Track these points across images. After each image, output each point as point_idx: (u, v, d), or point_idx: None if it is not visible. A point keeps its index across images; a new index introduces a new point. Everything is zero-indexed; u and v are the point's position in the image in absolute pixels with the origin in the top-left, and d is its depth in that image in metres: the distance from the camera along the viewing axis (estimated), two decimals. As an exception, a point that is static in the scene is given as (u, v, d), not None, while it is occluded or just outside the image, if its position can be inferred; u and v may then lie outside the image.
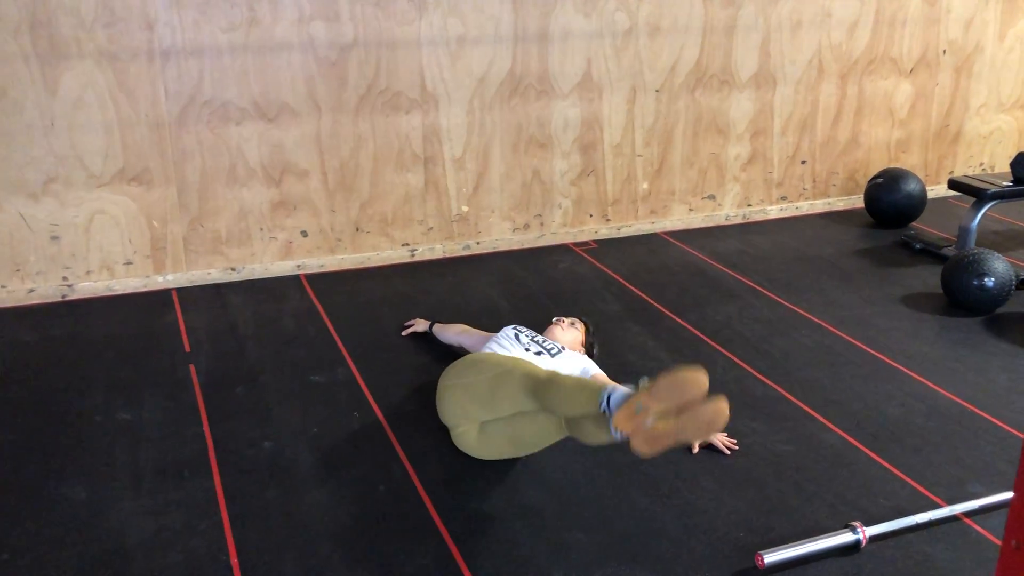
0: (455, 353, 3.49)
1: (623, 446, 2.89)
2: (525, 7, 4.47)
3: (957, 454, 3.00)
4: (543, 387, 2.59)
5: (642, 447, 2.30)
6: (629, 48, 4.77)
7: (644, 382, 2.33)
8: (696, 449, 2.95)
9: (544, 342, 3.18)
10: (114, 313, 4.00)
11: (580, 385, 2.52)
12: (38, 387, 3.36)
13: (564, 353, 3.16)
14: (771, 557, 2.44)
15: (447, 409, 2.90)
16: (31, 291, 4.08)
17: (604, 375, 3.23)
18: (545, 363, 3.02)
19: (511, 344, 3.13)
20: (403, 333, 3.78)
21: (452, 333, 3.63)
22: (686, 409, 2.28)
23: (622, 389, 2.39)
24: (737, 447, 3.00)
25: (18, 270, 4.05)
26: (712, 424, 2.32)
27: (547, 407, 2.60)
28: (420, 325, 3.78)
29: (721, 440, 3.00)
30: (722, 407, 2.29)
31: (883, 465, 2.93)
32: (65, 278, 4.13)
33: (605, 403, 2.40)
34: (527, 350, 3.09)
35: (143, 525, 2.59)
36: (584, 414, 2.49)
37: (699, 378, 2.28)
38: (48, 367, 3.51)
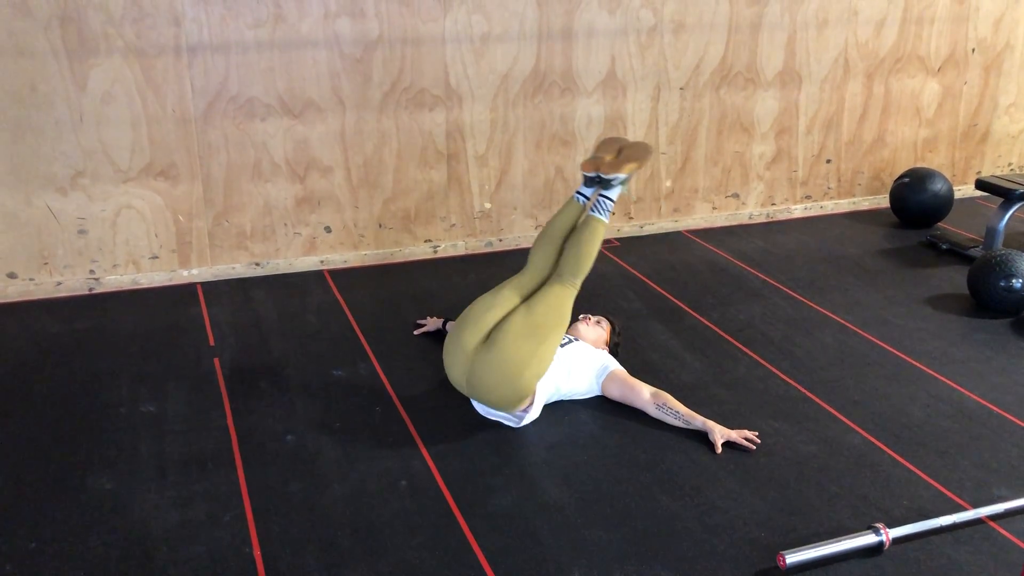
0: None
1: (643, 448, 2.88)
2: (550, 4, 4.47)
3: (982, 457, 2.98)
4: (532, 252, 3.24)
5: (611, 169, 3.19)
6: (654, 45, 4.75)
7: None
8: (719, 449, 2.94)
9: None
10: (140, 306, 4.04)
11: (553, 217, 3.31)
12: (64, 379, 3.40)
13: (575, 344, 3.21)
14: (793, 557, 2.43)
15: (454, 343, 2.98)
16: (58, 284, 4.13)
17: (624, 371, 3.23)
18: (556, 354, 3.11)
19: None
20: (415, 332, 3.78)
21: None
22: (624, 147, 3.32)
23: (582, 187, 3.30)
24: (759, 441, 2.99)
25: (46, 263, 4.10)
26: (645, 145, 3.32)
27: (540, 255, 3.19)
28: (432, 324, 3.77)
29: (744, 435, 2.98)
30: (639, 142, 3.36)
31: (907, 467, 2.91)
32: (92, 271, 4.18)
33: (578, 195, 3.28)
34: None
35: (167, 516, 2.62)
36: (572, 227, 3.25)
37: (618, 137, 3.56)
38: (74, 359, 3.55)
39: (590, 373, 3.20)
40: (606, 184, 3.22)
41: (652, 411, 3.09)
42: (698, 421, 3.03)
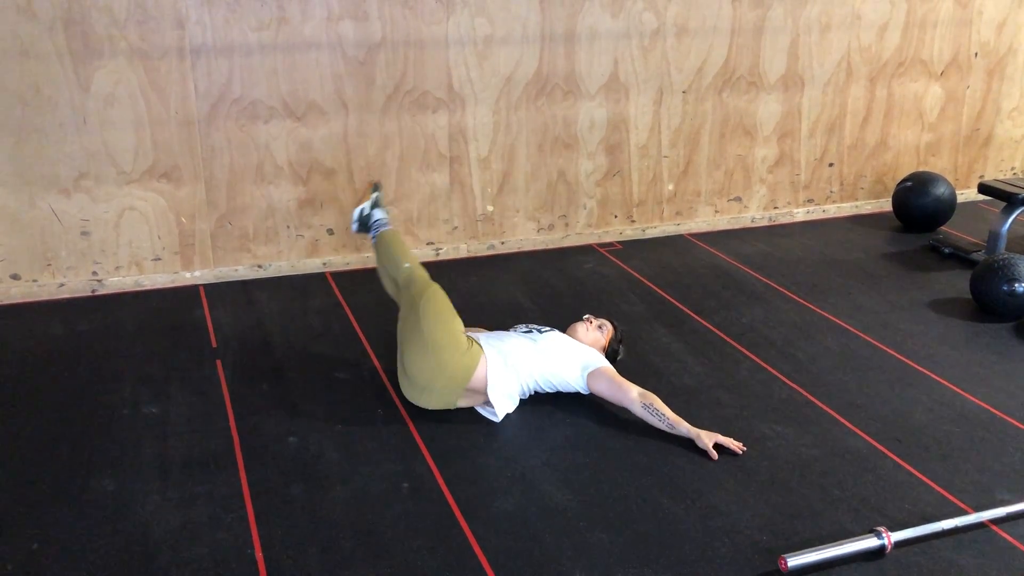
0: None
1: (645, 451, 2.88)
2: (552, 7, 4.48)
3: (984, 460, 2.97)
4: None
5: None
6: (656, 49, 4.76)
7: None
8: (714, 455, 2.93)
9: (535, 326, 3.39)
10: (142, 308, 4.04)
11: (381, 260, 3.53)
12: (67, 380, 3.40)
13: (551, 334, 3.31)
14: (795, 561, 2.43)
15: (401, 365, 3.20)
16: (61, 285, 4.14)
17: (612, 369, 3.22)
18: (532, 340, 3.25)
19: (504, 332, 3.36)
20: None
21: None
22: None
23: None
24: (745, 448, 2.98)
25: (49, 264, 4.11)
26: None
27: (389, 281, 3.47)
28: None
29: (730, 442, 2.98)
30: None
31: (909, 470, 2.91)
32: (95, 273, 4.18)
33: (355, 226, 3.67)
34: (514, 331, 3.36)
35: (169, 518, 2.62)
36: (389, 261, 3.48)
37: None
38: (77, 361, 3.55)
39: (575, 363, 3.20)
40: (367, 219, 3.64)
41: (637, 409, 3.07)
42: (683, 428, 3.01)
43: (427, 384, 3.12)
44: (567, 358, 3.21)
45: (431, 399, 3.16)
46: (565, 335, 3.35)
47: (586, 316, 3.48)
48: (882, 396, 3.37)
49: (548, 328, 3.38)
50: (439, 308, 3.23)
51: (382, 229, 3.56)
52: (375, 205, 3.63)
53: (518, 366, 3.15)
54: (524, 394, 3.22)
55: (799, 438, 3.08)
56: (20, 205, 3.99)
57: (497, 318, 3.92)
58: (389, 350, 3.66)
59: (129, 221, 4.16)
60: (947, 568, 2.48)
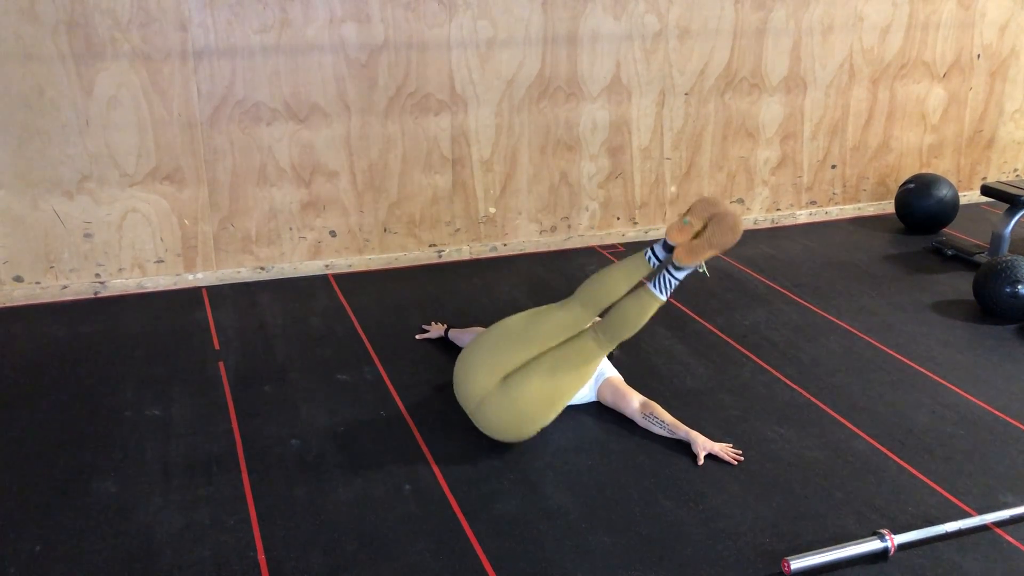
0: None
1: (648, 453, 2.88)
2: (555, 9, 4.48)
3: (988, 463, 2.97)
4: (583, 290, 2.97)
5: (684, 257, 2.87)
6: (658, 51, 4.76)
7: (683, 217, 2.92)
8: (701, 461, 2.92)
9: None
10: (145, 310, 4.04)
11: (617, 264, 3.01)
12: (69, 383, 3.41)
13: None
14: (798, 563, 2.43)
15: (470, 371, 2.87)
16: (64, 287, 4.14)
17: (620, 378, 3.23)
18: None
19: None
20: (417, 337, 3.77)
21: (468, 336, 3.62)
22: (712, 221, 2.86)
23: (658, 245, 2.97)
24: (743, 458, 2.97)
25: (52, 267, 4.11)
26: (733, 227, 2.84)
27: (587, 296, 2.94)
28: (435, 331, 3.77)
29: (727, 451, 2.97)
30: (737, 213, 2.87)
31: (912, 473, 2.91)
32: (97, 275, 4.19)
33: (651, 253, 2.96)
34: None
35: (172, 520, 2.62)
36: (628, 283, 2.95)
37: (720, 199, 2.94)
38: (80, 363, 3.56)
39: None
40: (679, 264, 2.91)
41: (639, 420, 3.09)
42: (682, 431, 3.01)
43: (487, 426, 2.90)
44: None
45: (477, 422, 2.95)
46: None
47: None
48: (885, 398, 3.36)
49: None
50: (589, 372, 2.95)
51: (661, 296, 2.93)
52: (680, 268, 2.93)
53: None
54: None
55: (802, 440, 3.08)
56: (23, 207, 3.99)
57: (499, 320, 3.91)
58: (391, 352, 3.66)
59: (132, 223, 4.16)
60: (950, 571, 2.48)
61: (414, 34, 4.29)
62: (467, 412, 2.99)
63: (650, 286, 2.91)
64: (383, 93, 4.34)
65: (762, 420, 3.20)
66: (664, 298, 2.92)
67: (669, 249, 2.94)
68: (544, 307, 3.01)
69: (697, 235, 2.88)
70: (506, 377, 2.85)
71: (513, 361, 2.85)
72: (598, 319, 3.01)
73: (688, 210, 2.93)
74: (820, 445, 3.05)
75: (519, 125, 4.63)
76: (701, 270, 2.94)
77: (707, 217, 2.87)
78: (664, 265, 2.95)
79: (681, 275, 2.92)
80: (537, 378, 2.83)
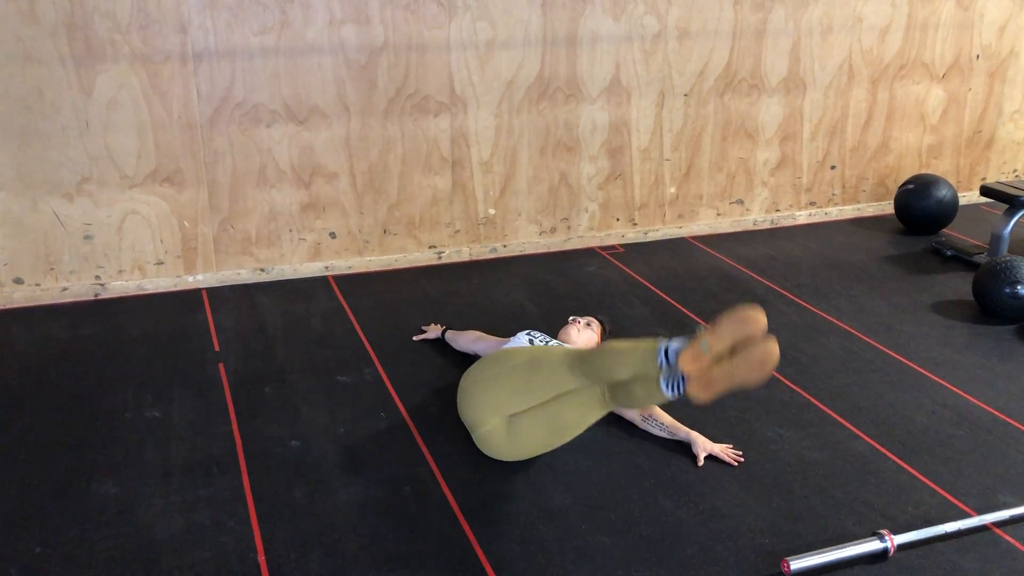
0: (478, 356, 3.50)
1: (647, 454, 2.88)
2: (554, 10, 4.48)
3: (987, 463, 2.97)
4: (589, 356, 2.59)
5: (699, 391, 2.33)
6: (658, 52, 4.76)
7: (702, 329, 2.40)
8: (701, 462, 2.92)
9: (549, 339, 3.21)
10: (145, 312, 4.05)
11: (633, 345, 2.52)
12: (69, 384, 3.41)
13: None
14: (797, 564, 2.43)
15: (475, 404, 2.84)
16: (64, 289, 4.14)
17: None
18: None
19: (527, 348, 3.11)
20: (415, 339, 3.77)
21: (466, 340, 3.62)
22: (740, 349, 2.32)
23: (677, 340, 2.41)
24: (743, 459, 2.97)
25: (52, 268, 4.11)
26: (764, 364, 2.30)
27: (593, 374, 2.56)
28: (433, 331, 3.77)
29: (727, 451, 2.97)
30: (773, 348, 2.29)
31: (912, 473, 2.91)
32: (97, 277, 4.19)
33: (663, 355, 2.41)
34: (531, 343, 3.12)
35: (172, 521, 2.62)
36: (636, 374, 2.46)
37: (759, 316, 2.31)
38: (79, 365, 3.56)
39: None
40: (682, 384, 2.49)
41: (639, 422, 3.09)
42: (682, 433, 3.01)
43: (488, 451, 2.88)
44: None
45: (479, 445, 2.91)
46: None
47: (572, 318, 3.47)
48: (884, 399, 3.36)
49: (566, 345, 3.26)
50: (589, 421, 2.78)
51: (668, 394, 2.50)
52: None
53: None
54: None
55: (801, 441, 3.08)
56: (23, 209, 3.99)
57: (499, 321, 3.92)
58: (391, 353, 3.66)
59: (132, 225, 4.16)
60: (950, 571, 2.48)
61: (414, 36, 4.29)
62: (468, 430, 2.97)
63: (662, 383, 2.48)
64: (383, 95, 4.34)
65: (762, 421, 3.20)
66: (672, 398, 2.50)
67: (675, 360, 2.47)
68: (548, 357, 2.73)
69: (716, 363, 2.35)
70: (512, 416, 2.75)
71: (519, 404, 2.71)
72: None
73: (712, 326, 2.38)
74: (820, 446, 3.06)
75: (519, 126, 4.63)
76: (705, 349, 2.38)
77: (733, 342, 2.35)
78: (672, 373, 2.48)
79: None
80: (542, 427, 2.73)
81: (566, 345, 2.98)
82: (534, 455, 2.89)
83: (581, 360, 2.61)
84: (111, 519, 2.63)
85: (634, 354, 2.49)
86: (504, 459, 2.90)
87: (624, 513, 2.70)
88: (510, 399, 2.73)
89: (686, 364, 2.36)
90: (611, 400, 2.64)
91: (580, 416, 2.72)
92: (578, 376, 2.60)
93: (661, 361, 2.43)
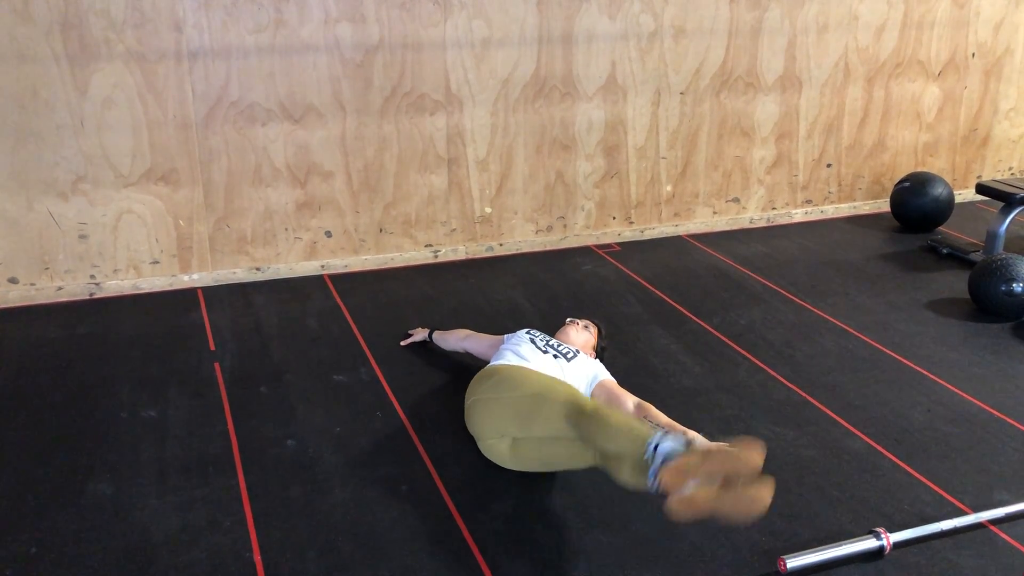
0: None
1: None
2: (550, 9, 4.48)
3: (983, 461, 2.97)
4: (586, 418, 2.54)
5: (677, 509, 2.22)
6: (654, 50, 4.76)
7: (697, 443, 2.34)
8: None
9: (559, 346, 3.18)
10: (140, 311, 4.04)
11: (628, 425, 2.46)
12: (65, 384, 3.40)
13: (579, 357, 3.15)
14: (794, 562, 2.43)
15: (480, 422, 2.89)
16: (59, 289, 4.14)
17: (613, 380, 3.22)
18: (561, 367, 3.04)
19: (528, 349, 3.10)
20: (402, 343, 3.73)
21: (455, 339, 3.60)
22: (731, 484, 2.21)
23: (671, 440, 2.32)
24: None
25: (47, 268, 4.11)
26: (751, 509, 2.21)
27: (587, 438, 2.54)
28: (418, 335, 3.74)
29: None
30: (765, 495, 2.19)
31: (908, 471, 2.91)
32: (93, 276, 4.18)
33: (651, 451, 2.34)
34: (544, 353, 3.09)
35: (168, 521, 2.62)
36: (626, 454, 2.41)
37: (756, 458, 2.21)
38: (75, 364, 3.55)
39: (584, 384, 3.19)
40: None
41: None
42: (678, 432, 2.99)
43: (492, 459, 2.91)
44: (582, 379, 3.13)
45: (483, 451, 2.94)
46: (587, 357, 3.21)
47: (569, 319, 3.46)
48: (880, 397, 3.37)
49: (569, 348, 3.19)
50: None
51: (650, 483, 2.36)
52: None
53: None
54: None
55: (797, 439, 3.08)
56: (18, 208, 3.98)
57: (495, 320, 3.92)
58: (387, 352, 3.66)
59: (127, 224, 4.16)
60: (946, 569, 2.48)
61: (409, 34, 4.29)
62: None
63: (650, 476, 2.34)
64: (378, 93, 4.33)
65: (758, 419, 3.21)
66: (654, 492, 2.35)
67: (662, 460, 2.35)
68: (552, 397, 2.69)
69: (701, 495, 2.23)
70: (515, 439, 2.81)
71: (519, 433, 2.78)
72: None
73: (700, 459, 2.24)
74: (816, 444, 3.06)
75: (515, 125, 4.63)
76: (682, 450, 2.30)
77: (726, 477, 2.22)
78: (655, 459, 2.36)
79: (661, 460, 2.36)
80: (539, 457, 2.79)
81: (571, 384, 2.91)
82: (532, 471, 2.89)
83: (580, 418, 2.57)
84: (107, 519, 2.63)
85: (627, 436, 2.43)
86: (506, 467, 2.91)
87: (620, 512, 2.70)
88: (513, 426, 2.78)
89: (666, 478, 2.25)
90: (601, 462, 2.56)
91: (571, 461, 2.71)
92: (574, 431, 2.58)
93: (649, 456, 2.34)
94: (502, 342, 3.32)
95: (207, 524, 2.61)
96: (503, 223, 4.78)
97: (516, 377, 2.87)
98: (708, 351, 3.71)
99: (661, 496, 2.27)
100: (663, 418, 3.04)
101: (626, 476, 2.43)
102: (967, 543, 2.58)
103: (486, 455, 2.92)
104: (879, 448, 3.03)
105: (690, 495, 2.21)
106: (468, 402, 2.99)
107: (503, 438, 2.83)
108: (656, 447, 2.32)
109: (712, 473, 2.21)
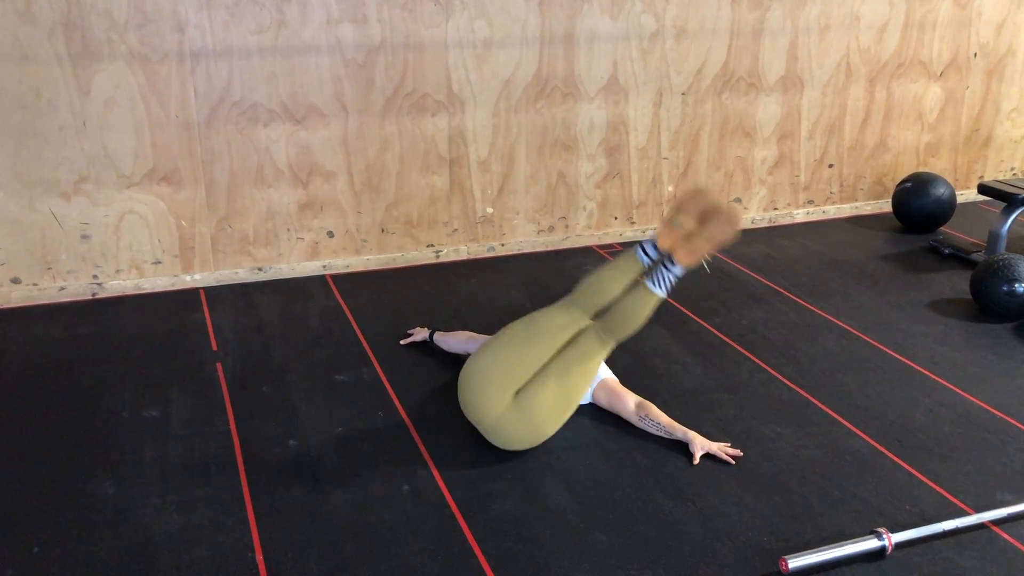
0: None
1: (645, 452, 2.88)
2: (552, 9, 4.48)
3: (985, 461, 2.97)
4: (578, 287, 2.95)
5: (685, 258, 2.82)
6: (655, 51, 4.76)
7: (671, 219, 2.85)
8: (697, 460, 2.92)
9: None
10: (142, 312, 4.04)
11: (612, 260, 2.95)
12: (67, 384, 3.40)
13: None
14: (795, 562, 2.43)
15: (479, 389, 2.82)
16: (62, 289, 4.14)
17: (615, 380, 3.23)
18: None
19: None
20: (402, 342, 3.74)
21: (456, 341, 3.60)
22: (707, 217, 2.80)
23: (646, 241, 2.91)
24: (741, 454, 2.97)
25: (49, 268, 4.11)
26: (732, 220, 2.79)
27: (585, 300, 2.91)
28: (419, 334, 3.74)
29: (725, 450, 2.96)
30: (735, 207, 2.85)
31: (909, 471, 2.91)
32: (95, 276, 4.19)
33: (642, 251, 2.90)
34: None
35: (170, 521, 2.62)
36: (625, 284, 2.89)
37: (706, 188, 2.81)
38: (77, 364, 3.55)
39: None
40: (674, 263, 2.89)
41: (635, 422, 3.08)
42: (679, 432, 3.01)
43: (502, 441, 2.87)
44: None
45: (490, 437, 2.91)
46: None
47: None
48: (882, 397, 3.37)
49: None
50: (595, 371, 2.96)
51: (660, 292, 2.92)
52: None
53: None
54: None
55: (799, 439, 3.08)
56: (20, 209, 3.99)
57: (497, 320, 3.91)
58: (389, 352, 3.66)
59: (129, 224, 4.16)
60: (948, 569, 2.48)
61: (411, 34, 4.29)
62: (479, 428, 2.95)
63: (649, 284, 2.91)
64: (380, 94, 4.34)
65: (760, 419, 3.21)
66: (663, 295, 2.91)
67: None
68: (540, 311, 3.00)
69: (691, 233, 2.82)
70: (518, 392, 2.82)
71: (522, 373, 2.80)
72: (593, 321, 2.97)
73: (676, 208, 2.86)
74: (817, 444, 3.06)
75: (516, 125, 4.63)
76: (703, 263, 2.89)
77: (699, 214, 2.84)
78: (660, 261, 2.92)
79: (679, 270, 2.92)
80: (550, 389, 2.82)
81: None
82: (549, 431, 2.87)
83: (573, 295, 2.95)
84: (109, 519, 2.63)
85: (617, 263, 2.92)
86: (517, 446, 2.89)
87: (622, 512, 2.70)
88: (513, 369, 2.79)
89: (664, 241, 2.83)
90: (606, 332, 2.87)
91: (583, 365, 2.82)
92: (572, 311, 2.90)
93: (642, 257, 2.87)
94: None
95: (209, 524, 2.61)
96: (505, 223, 4.78)
97: (501, 331, 2.98)
98: (710, 351, 3.71)
99: (670, 290, 2.88)
100: (664, 417, 3.05)
101: (633, 312, 2.87)
102: (969, 543, 2.58)
103: (495, 439, 2.88)
104: (881, 448, 3.03)
105: (687, 241, 2.81)
106: (461, 381, 2.92)
107: (506, 399, 2.77)
108: (643, 246, 2.92)
109: (691, 213, 2.82)
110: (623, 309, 2.89)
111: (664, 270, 2.90)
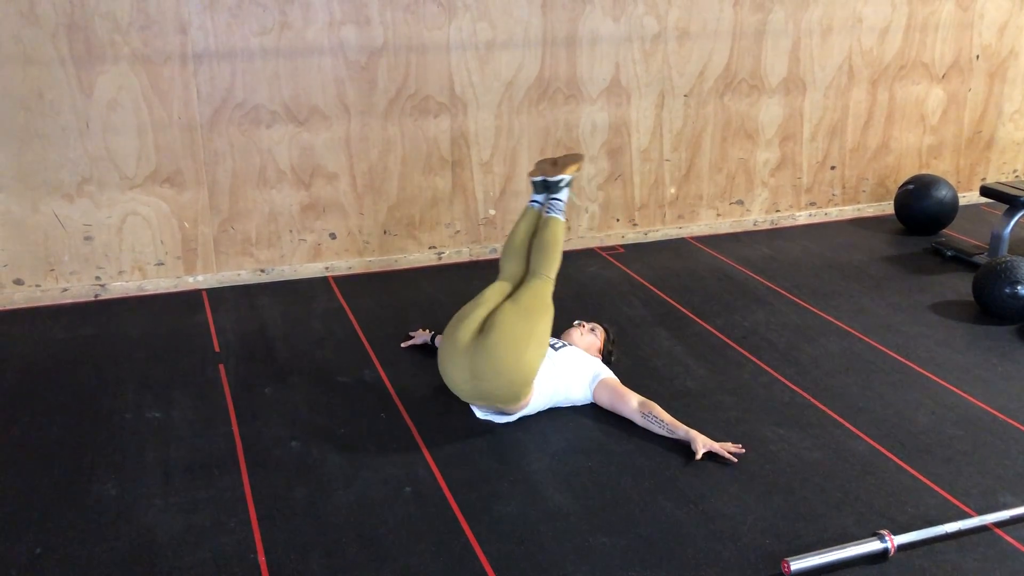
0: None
1: (647, 454, 2.88)
2: (554, 11, 4.49)
3: (987, 463, 2.97)
4: (502, 262, 3.40)
5: (552, 171, 3.47)
6: (658, 53, 4.76)
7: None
8: (699, 456, 2.92)
9: (553, 343, 3.25)
10: (145, 313, 4.05)
11: (516, 223, 3.51)
12: (70, 385, 3.41)
13: (568, 348, 3.26)
14: (798, 564, 2.43)
15: (447, 345, 3.04)
16: (64, 290, 4.15)
17: (615, 379, 3.23)
18: (551, 358, 3.16)
19: None
20: (404, 345, 3.74)
21: None
22: (557, 160, 3.57)
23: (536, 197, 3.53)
24: (743, 450, 2.97)
25: (52, 270, 4.12)
26: (576, 155, 3.61)
27: (512, 262, 3.37)
28: (420, 337, 3.74)
29: (727, 448, 2.96)
30: (571, 152, 4.02)
31: (912, 474, 2.91)
32: (98, 278, 4.19)
33: (531, 203, 3.52)
34: None
35: (172, 522, 2.62)
36: (531, 228, 3.45)
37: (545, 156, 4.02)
38: (80, 365, 3.56)
39: (583, 380, 3.20)
40: (553, 187, 3.46)
41: (639, 420, 3.09)
42: (681, 431, 3.01)
43: (487, 379, 2.97)
44: (580, 375, 3.20)
45: (477, 386, 3.00)
46: (577, 348, 3.33)
47: (577, 322, 3.50)
48: (884, 399, 3.37)
49: (560, 342, 3.33)
50: (547, 300, 3.22)
51: (559, 215, 3.43)
52: (567, 185, 3.50)
53: (541, 383, 3.12)
54: (536, 411, 3.20)
55: (801, 441, 3.08)
56: (23, 210, 4.00)
57: (499, 322, 3.92)
58: (391, 354, 3.67)
59: (132, 226, 4.17)
60: (950, 571, 2.48)
61: (413, 36, 4.29)
62: (465, 396, 3.07)
63: (546, 213, 3.41)
64: (383, 95, 4.34)
65: (762, 421, 3.20)
66: (562, 217, 3.40)
67: (539, 190, 3.48)
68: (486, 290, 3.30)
69: (552, 162, 3.55)
70: (480, 329, 3.03)
71: (478, 317, 3.07)
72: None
73: (534, 171, 3.55)
74: (820, 446, 3.06)
75: (518, 127, 4.63)
76: (571, 195, 3.49)
77: (552, 160, 3.56)
78: (547, 199, 3.46)
79: (562, 195, 3.45)
80: (506, 311, 3.05)
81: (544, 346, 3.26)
82: (526, 359, 2.97)
83: (501, 271, 3.38)
84: (111, 520, 2.63)
85: (520, 219, 3.49)
86: (507, 388, 2.97)
87: (623, 513, 2.70)
88: (468, 319, 3.06)
89: (535, 173, 3.50)
90: (538, 271, 3.26)
91: (531, 294, 3.15)
92: (503, 270, 3.35)
93: (533, 205, 3.50)
94: None
95: (211, 525, 2.61)
96: (507, 225, 4.78)
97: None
98: (712, 353, 3.71)
99: (550, 193, 3.48)
100: (666, 417, 3.05)
101: (548, 239, 3.34)
102: (971, 546, 2.58)
103: (483, 388, 2.99)
104: (883, 450, 3.03)
105: (550, 167, 3.50)
106: (439, 357, 3.11)
107: (470, 337, 3.00)
108: (531, 201, 3.53)
109: (544, 164, 3.54)
110: (538, 244, 3.33)
111: (552, 201, 3.44)
